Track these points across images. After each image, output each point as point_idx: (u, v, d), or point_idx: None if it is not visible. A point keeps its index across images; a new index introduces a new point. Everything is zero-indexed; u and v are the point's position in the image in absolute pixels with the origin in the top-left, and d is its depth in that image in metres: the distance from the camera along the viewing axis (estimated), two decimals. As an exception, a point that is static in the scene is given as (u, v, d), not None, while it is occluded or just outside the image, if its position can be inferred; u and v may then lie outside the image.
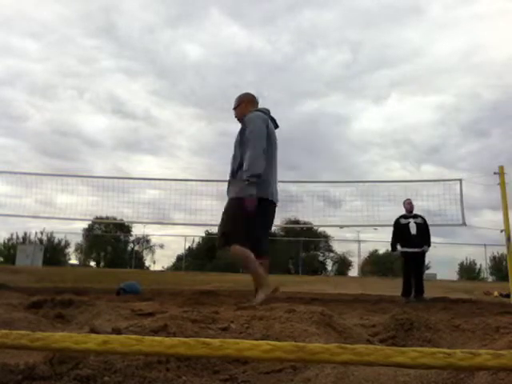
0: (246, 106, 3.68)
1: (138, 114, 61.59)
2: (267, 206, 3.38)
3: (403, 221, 6.57)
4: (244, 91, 3.84)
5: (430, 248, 6.58)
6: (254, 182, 3.22)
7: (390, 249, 6.96)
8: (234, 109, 3.76)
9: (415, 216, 6.60)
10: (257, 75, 63.02)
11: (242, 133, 3.46)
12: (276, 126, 3.68)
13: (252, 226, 3.28)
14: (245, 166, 3.26)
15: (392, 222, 6.82)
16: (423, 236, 6.46)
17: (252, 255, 3.27)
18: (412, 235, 6.41)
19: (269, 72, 62.06)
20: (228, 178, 3.60)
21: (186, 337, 1.16)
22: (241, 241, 3.28)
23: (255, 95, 3.79)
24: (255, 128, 3.37)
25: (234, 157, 3.52)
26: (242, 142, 3.44)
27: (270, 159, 3.45)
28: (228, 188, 3.56)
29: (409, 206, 6.65)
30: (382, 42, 59.95)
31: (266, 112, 3.60)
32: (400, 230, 6.54)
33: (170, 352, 0.64)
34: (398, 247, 6.52)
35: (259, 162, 3.28)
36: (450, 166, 50.52)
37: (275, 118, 3.70)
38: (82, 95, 61.11)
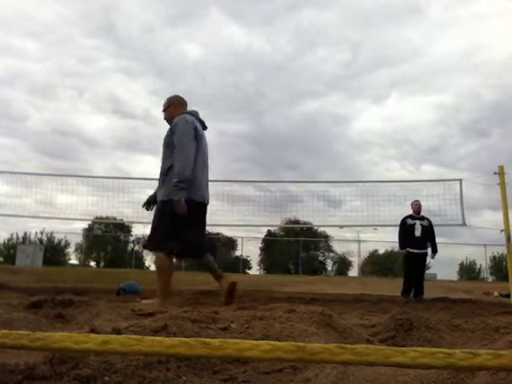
0: (174, 108, 3.67)
1: (137, 113, 61.74)
2: (199, 207, 3.38)
3: (409, 221, 6.57)
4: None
5: (430, 249, 6.57)
6: (182, 188, 3.21)
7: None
8: (164, 111, 3.75)
9: (422, 218, 6.60)
10: (256, 75, 63.09)
11: (170, 134, 3.46)
12: (204, 128, 3.67)
13: (183, 229, 3.29)
14: (175, 170, 3.26)
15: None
16: (427, 238, 6.49)
17: (169, 269, 3.36)
18: (416, 237, 6.43)
19: (268, 72, 62.09)
20: (158, 179, 3.58)
21: (186, 337, 1.16)
22: (167, 247, 3.31)
23: (184, 98, 3.79)
24: (182, 131, 3.36)
25: (163, 158, 3.52)
26: (169, 143, 3.44)
27: (200, 161, 3.44)
28: (158, 189, 3.54)
29: (416, 207, 6.65)
30: (381, 41, 60.02)
31: (194, 114, 3.59)
32: (405, 230, 6.55)
33: (170, 352, 0.64)
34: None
35: (187, 166, 3.27)
36: (450, 165, 50.55)
37: (204, 120, 3.69)
38: (81, 95, 61.19)
